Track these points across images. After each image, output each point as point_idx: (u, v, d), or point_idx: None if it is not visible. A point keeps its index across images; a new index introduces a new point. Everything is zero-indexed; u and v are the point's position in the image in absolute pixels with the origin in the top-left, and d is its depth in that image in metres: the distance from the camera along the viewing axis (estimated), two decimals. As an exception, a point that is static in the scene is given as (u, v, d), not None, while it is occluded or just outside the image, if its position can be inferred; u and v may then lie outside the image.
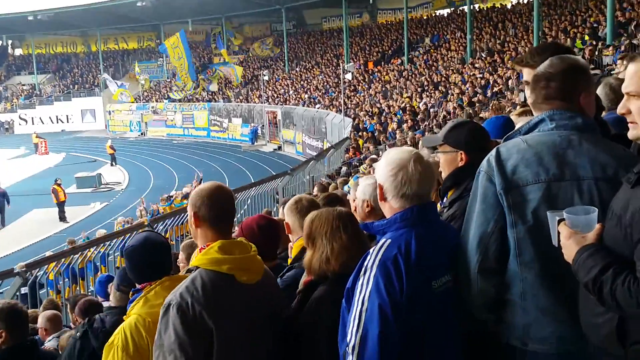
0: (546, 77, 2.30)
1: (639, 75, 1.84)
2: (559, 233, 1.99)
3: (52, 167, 34.04)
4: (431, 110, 23.41)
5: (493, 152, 2.26)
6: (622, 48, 16.85)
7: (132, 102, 48.62)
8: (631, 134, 1.91)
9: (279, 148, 36.41)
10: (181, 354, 2.31)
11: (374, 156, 16.26)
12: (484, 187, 2.23)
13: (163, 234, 11.40)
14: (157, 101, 48.71)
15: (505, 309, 2.26)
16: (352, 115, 28.63)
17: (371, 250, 2.28)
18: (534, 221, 2.13)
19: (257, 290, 2.53)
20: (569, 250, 1.94)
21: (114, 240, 10.49)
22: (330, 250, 2.57)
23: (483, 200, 2.23)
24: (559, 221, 1.99)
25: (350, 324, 2.21)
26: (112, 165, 33.74)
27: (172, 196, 20.56)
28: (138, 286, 2.97)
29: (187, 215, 2.76)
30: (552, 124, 2.25)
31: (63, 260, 9.22)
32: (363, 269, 2.24)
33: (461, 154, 2.82)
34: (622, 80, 1.95)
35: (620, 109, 1.91)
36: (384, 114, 26.37)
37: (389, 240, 2.26)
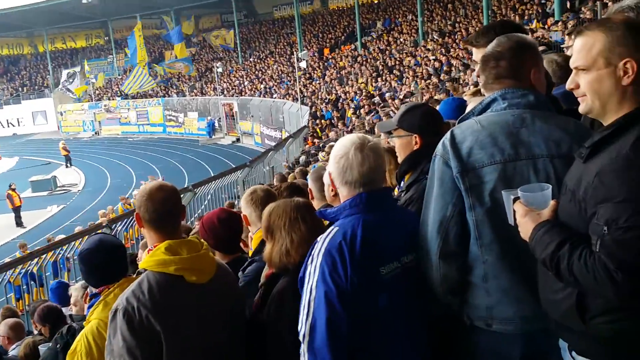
0: (495, 57, 2.30)
1: (587, 49, 1.83)
2: (514, 212, 1.99)
3: (5, 172, 33.19)
4: (387, 94, 23.53)
5: (448, 134, 2.25)
6: (570, 23, 17.17)
7: (85, 102, 47.53)
8: (582, 108, 1.91)
9: (238, 140, 36.15)
10: (130, 358, 2.29)
11: (332, 143, 16.27)
12: (440, 171, 2.22)
13: (123, 234, 11.24)
14: (109, 99, 47.76)
15: (468, 292, 2.26)
16: (309, 104, 28.60)
17: (319, 239, 2.27)
18: (491, 203, 2.13)
19: (210, 288, 2.49)
20: (525, 228, 1.94)
21: (73, 243, 10.24)
22: (290, 242, 2.55)
23: (440, 184, 2.22)
24: (514, 200, 1.99)
25: (300, 312, 2.22)
26: (67, 166, 33.04)
27: (128, 197, 20.18)
28: (95, 290, 2.91)
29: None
30: (504, 103, 2.25)
31: (20, 266, 8.99)
32: (310, 258, 2.25)
33: (415, 137, 2.81)
34: (566, 56, 1.96)
35: (569, 84, 1.91)
36: (340, 101, 26.41)
37: (336, 228, 2.26)
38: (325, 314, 2.15)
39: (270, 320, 2.52)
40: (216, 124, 38.47)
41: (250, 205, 3.26)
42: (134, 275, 2.86)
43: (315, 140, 22.74)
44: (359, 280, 2.16)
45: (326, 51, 37.26)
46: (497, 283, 2.19)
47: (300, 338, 2.21)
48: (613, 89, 1.81)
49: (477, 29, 22.39)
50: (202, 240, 2.63)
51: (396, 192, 3.08)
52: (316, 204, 3.35)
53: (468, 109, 3.28)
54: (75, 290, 4.64)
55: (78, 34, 58.60)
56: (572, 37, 1.95)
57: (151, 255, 2.45)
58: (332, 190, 3.10)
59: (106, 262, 2.88)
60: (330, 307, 2.15)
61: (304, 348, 2.19)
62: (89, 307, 2.90)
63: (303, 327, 2.20)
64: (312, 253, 2.26)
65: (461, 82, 18.75)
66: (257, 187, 3.54)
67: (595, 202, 1.74)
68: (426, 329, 2.37)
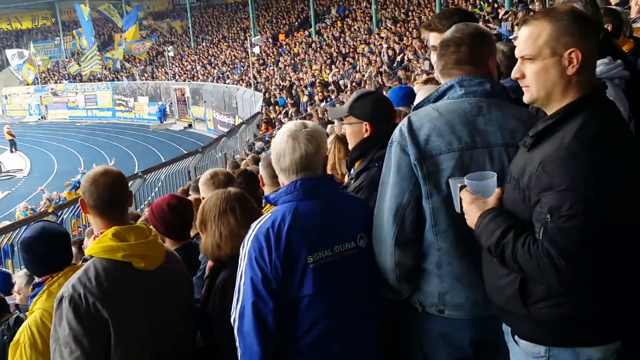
0: (455, 42, 2.30)
1: (533, 38, 1.85)
2: (461, 200, 2.02)
3: (-56, 157, 31.90)
4: (340, 81, 23.56)
5: (405, 121, 2.24)
6: (520, 15, 17.49)
7: (29, 84, 46.03)
8: (526, 98, 1.93)
9: (190, 126, 35.63)
10: (76, 346, 2.25)
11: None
12: (397, 158, 2.21)
13: (71, 221, 10.96)
14: (56, 82, 46.36)
15: (421, 279, 2.28)
16: (263, 90, 28.40)
17: (252, 225, 2.29)
18: (448, 191, 2.14)
19: (159, 275, 2.46)
20: (471, 215, 1.97)
21: (17, 230, 9.92)
22: (219, 235, 2.55)
23: (397, 171, 2.21)
24: (461, 188, 2.02)
25: (233, 298, 2.25)
26: (12, 151, 32.01)
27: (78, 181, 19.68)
28: (38, 279, 2.84)
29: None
30: (461, 90, 2.25)
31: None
32: (242, 244, 2.27)
33: (366, 124, 2.81)
34: (512, 46, 1.99)
35: (514, 73, 1.93)
36: (294, 87, 26.32)
37: (269, 215, 2.28)
38: (251, 299, 2.19)
39: (215, 311, 2.52)
40: (167, 110, 37.80)
41: (212, 189, 3.22)
42: (81, 263, 2.79)
43: (269, 127, 22.64)
44: (283, 267, 2.19)
45: (280, 37, 37.01)
46: (450, 270, 2.21)
47: (232, 322, 2.25)
48: (558, 79, 1.84)
49: (430, 17, 22.58)
50: (150, 226, 2.58)
51: (346, 179, 3.09)
52: (267, 190, 3.34)
53: (418, 98, 3.31)
54: (19, 277, 4.52)
55: (24, 15, 56.68)
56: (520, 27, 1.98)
57: (98, 241, 2.40)
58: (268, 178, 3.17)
59: (49, 250, 2.81)
60: (255, 292, 2.19)
61: (235, 332, 2.24)
62: (32, 297, 2.82)
63: (234, 312, 2.24)
64: (245, 239, 2.28)
65: (413, 70, 18.92)
66: (217, 170, 3.51)
67: (539, 191, 1.77)
68: (372, 318, 2.37)
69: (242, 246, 2.28)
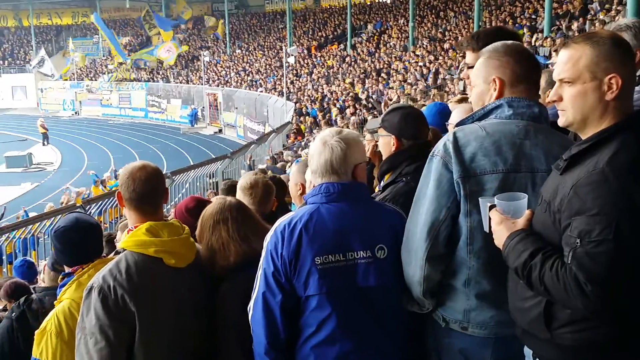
0: (512, 56, 2.26)
1: (573, 62, 1.84)
2: (490, 219, 2.01)
3: (-20, 146, 32.57)
4: (373, 97, 23.59)
5: (450, 137, 2.21)
6: (558, 41, 17.36)
7: (66, 80, 46.91)
8: (561, 121, 1.92)
9: (220, 131, 35.90)
10: (102, 337, 2.28)
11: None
12: (439, 173, 2.18)
13: (97, 216, 11.10)
14: (92, 79, 47.16)
15: (447, 294, 2.27)
16: (295, 100, 28.54)
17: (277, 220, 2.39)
18: None
19: (187, 274, 2.48)
20: (500, 235, 1.97)
21: (44, 222, 10.08)
22: (211, 247, 2.59)
23: (437, 186, 2.18)
24: (491, 207, 2.01)
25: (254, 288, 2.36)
26: (44, 144, 32.55)
27: (104, 180, 19.95)
28: (69, 269, 2.88)
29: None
30: (509, 110, 2.22)
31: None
32: (265, 239, 2.37)
33: (393, 138, 2.83)
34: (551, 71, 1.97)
35: (551, 96, 1.92)
36: (326, 99, 26.41)
37: (292, 213, 2.37)
38: (262, 290, 2.29)
39: (217, 324, 2.52)
40: (199, 113, 38.20)
41: (246, 198, 3.29)
42: (112, 255, 2.82)
43: (298, 137, 22.71)
44: (292, 264, 2.27)
45: (313, 49, 37.20)
46: (477, 288, 2.20)
47: (248, 309, 2.35)
48: (596, 103, 1.83)
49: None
50: (183, 225, 2.60)
51: (376, 190, 3.11)
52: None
53: (453, 116, 3.30)
54: (48, 260, 4.58)
55: (65, 11, 57.76)
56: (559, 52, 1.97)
57: (131, 235, 2.43)
58: (300, 189, 3.22)
59: (82, 241, 2.82)
60: (267, 284, 2.29)
61: (249, 320, 2.34)
62: (61, 287, 2.85)
63: (251, 302, 2.34)
64: (267, 235, 2.38)
65: (447, 89, 18.86)
66: (259, 180, 3.51)
67: (570, 214, 1.76)
68: (391, 325, 2.36)
69: (264, 240, 2.38)
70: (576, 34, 16.93)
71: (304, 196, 2.46)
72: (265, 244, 2.34)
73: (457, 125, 2.33)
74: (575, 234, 1.73)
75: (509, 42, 2.34)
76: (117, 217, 11.90)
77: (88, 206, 10.84)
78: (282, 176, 5.68)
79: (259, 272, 2.32)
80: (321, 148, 2.35)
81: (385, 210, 2.47)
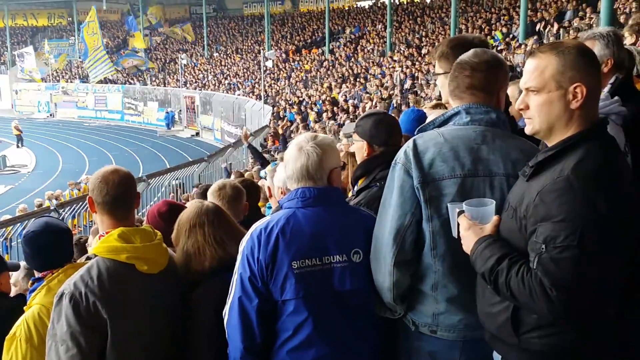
0: (471, 66, 2.31)
1: (539, 71, 1.88)
2: (458, 225, 2.04)
3: (-48, 148, 31.99)
4: (350, 101, 23.65)
5: (410, 144, 2.25)
6: (534, 47, 17.58)
7: (39, 82, 46.29)
8: (528, 129, 1.95)
9: (197, 134, 35.72)
10: (73, 344, 2.25)
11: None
12: (401, 180, 2.23)
13: (70, 220, 10.95)
14: (68, 81, 46.61)
15: (416, 299, 2.29)
16: (272, 103, 28.50)
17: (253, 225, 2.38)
18: (448, 215, 2.15)
19: (160, 280, 2.46)
20: (468, 241, 1.99)
21: (17, 225, 9.89)
22: (186, 252, 2.57)
23: (400, 193, 2.22)
24: (459, 213, 2.04)
25: (229, 293, 2.35)
26: (18, 146, 32.07)
27: (79, 182, 19.68)
28: (38, 274, 2.84)
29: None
30: (467, 117, 2.27)
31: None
32: (241, 242, 2.38)
33: (365, 144, 2.85)
34: None
35: (518, 104, 1.95)
36: (304, 104, 26.42)
37: (268, 218, 2.38)
38: (238, 294, 2.29)
39: (189, 331, 2.50)
40: (176, 116, 37.94)
41: (217, 200, 3.27)
42: (84, 261, 2.80)
43: (275, 141, 22.67)
44: (268, 268, 2.27)
45: (291, 53, 37.22)
46: (445, 292, 2.23)
47: (224, 314, 2.34)
48: (562, 112, 1.86)
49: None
50: (155, 230, 2.58)
51: (350, 194, 3.13)
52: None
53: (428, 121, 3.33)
54: (18, 270, 4.51)
55: (41, 12, 57.11)
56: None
57: (103, 241, 2.40)
58: (282, 194, 3.22)
59: (51, 245, 2.80)
60: (242, 288, 2.29)
61: (225, 325, 2.34)
62: (31, 292, 2.82)
63: (226, 306, 2.34)
64: (243, 239, 2.38)
65: (423, 95, 18.99)
66: (226, 182, 3.52)
67: (535, 220, 1.79)
68: (365, 329, 2.38)
69: (240, 244, 2.37)
70: (550, 40, 17.20)
71: (279, 200, 2.48)
72: (241, 248, 2.34)
73: (418, 131, 2.38)
74: (540, 240, 1.76)
75: (470, 52, 2.37)
76: (91, 221, 11.77)
77: (62, 209, 10.68)
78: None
79: (235, 277, 2.32)
80: (297, 154, 2.37)
81: (360, 215, 2.49)
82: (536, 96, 1.89)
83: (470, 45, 2.51)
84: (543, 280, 1.73)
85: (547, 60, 1.87)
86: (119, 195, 2.46)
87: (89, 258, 2.47)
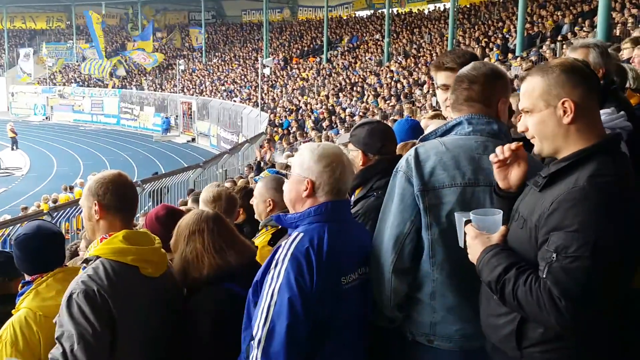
0: (469, 79, 2.34)
1: (529, 93, 1.92)
2: (465, 234, 2.03)
3: (-54, 149, 31.92)
4: (347, 110, 23.70)
5: (412, 152, 2.28)
6: (533, 59, 17.63)
7: (37, 85, 46.27)
8: (535, 149, 1.97)
9: (193, 140, 35.74)
10: (93, 340, 2.19)
11: (288, 152, 16.26)
12: (402, 187, 2.25)
13: (64, 224, 10.89)
14: (64, 85, 46.57)
15: (413, 308, 2.29)
16: (269, 111, 28.54)
17: (283, 243, 2.23)
18: (447, 224, 2.17)
19: (161, 283, 2.46)
20: (474, 250, 1.98)
21: (10, 228, 9.82)
22: (185, 258, 2.53)
23: (401, 200, 2.24)
24: (466, 222, 2.03)
25: (257, 317, 2.16)
26: (13, 149, 32.05)
27: (72, 186, 19.58)
28: (28, 278, 2.81)
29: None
30: (469, 127, 2.30)
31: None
32: (274, 262, 2.19)
33: (360, 153, 2.84)
34: None
35: (520, 127, 1.98)
36: (300, 111, 26.46)
37: (302, 234, 2.22)
38: (286, 320, 2.11)
39: (185, 337, 2.47)
40: (172, 122, 37.96)
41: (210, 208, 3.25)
42: (80, 264, 2.75)
43: (271, 148, 22.69)
44: (322, 288, 2.15)
45: (293, 60, 37.33)
46: (443, 301, 2.23)
47: (255, 343, 2.14)
48: (556, 129, 1.88)
49: (439, 56, 22.67)
50: (154, 235, 2.58)
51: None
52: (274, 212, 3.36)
53: (427, 131, 3.32)
54: None
55: (39, 15, 57.15)
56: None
57: (107, 243, 2.38)
58: (270, 205, 3.18)
59: (43, 249, 2.77)
60: (292, 312, 2.11)
61: (256, 354, 2.13)
62: (19, 295, 2.78)
63: (260, 332, 2.14)
64: (277, 257, 2.19)
65: (419, 105, 19.03)
66: (222, 192, 3.48)
67: (548, 230, 1.78)
68: (367, 341, 2.39)
69: (272, 265, 2.19)
70: (547, 53, 17.28)
71: (291, 216, 2.32)
72: (278, 269, 2.16)
73: (420, 140, 2.41)
74: (552, 249, 1.75)
75: (469, 65, 2.40)
76: (82, 227, 11.69)
77: (56, 213, 10.62)
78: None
79: (272, 301, 2.14)
80: (334, 167, 2.26)
81: (360, 226, 2.53)
82: (530, 117, 1.94)
83: (471, 59, 2.54)
84: (552, 289, 1.72)
85: (534, 82, 1.91)
86: (129, 198, 2.49)
87: (87, 261, 2.42)
